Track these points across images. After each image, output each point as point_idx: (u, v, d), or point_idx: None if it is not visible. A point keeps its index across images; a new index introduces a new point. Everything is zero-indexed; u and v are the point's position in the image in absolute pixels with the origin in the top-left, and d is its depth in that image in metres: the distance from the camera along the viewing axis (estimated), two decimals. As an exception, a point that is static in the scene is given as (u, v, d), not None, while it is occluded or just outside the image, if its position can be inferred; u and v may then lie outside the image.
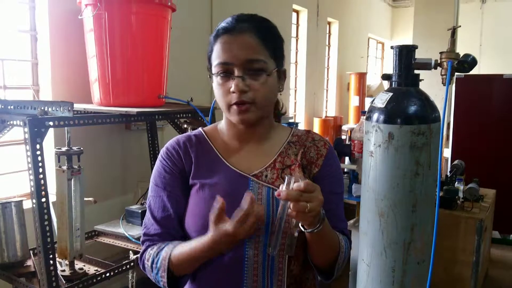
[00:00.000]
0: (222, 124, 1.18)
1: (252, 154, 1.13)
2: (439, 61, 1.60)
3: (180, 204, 1.11)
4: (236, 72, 1.03)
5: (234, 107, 1.04)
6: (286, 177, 0.94)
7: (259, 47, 1.05)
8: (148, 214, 1.14)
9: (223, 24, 1.08)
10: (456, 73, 1.62)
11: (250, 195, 0.94)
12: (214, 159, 1.13)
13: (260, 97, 1.05)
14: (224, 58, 1.04)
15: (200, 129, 1.20)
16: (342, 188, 1.20)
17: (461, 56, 1.58)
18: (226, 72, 1.04)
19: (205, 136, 1.17)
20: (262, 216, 1.00)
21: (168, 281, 1.06)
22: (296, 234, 0.98)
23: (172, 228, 1.11)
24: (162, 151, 1.16)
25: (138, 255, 1.16)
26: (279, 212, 0.95)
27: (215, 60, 1.06)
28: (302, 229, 0.98)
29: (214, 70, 1.07)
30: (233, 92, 1.03)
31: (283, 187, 0.93)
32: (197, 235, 1.05)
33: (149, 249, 1.11)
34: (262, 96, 1.05)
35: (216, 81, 1.07)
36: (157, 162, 1.16)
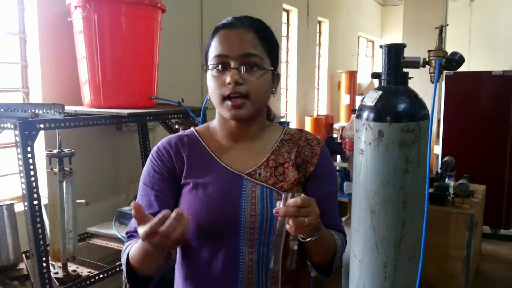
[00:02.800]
0: (214, 123, 1.18)
1: (245, 152, 1.14)
2: (427, 59, 1.61)
3: (167, 204, 1.10)
4: (232, 65, 1.04)
5: (228, 102, 1.04)
6: (283, 194, 0.95)
7: (256, 43, 1.07)
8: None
9: (222, 22, 1.09)
10: (445, 71, 1.64)
11: (177, 210, 0.88)
12: (207, 158, 1.13)
13: (254, 91, 1.05)
14: (221, 50, 1.05)
15: (192, 128, 1.20)
16: (336, 186, 1.23)
17: (449, 54, 1.60)
18: (222, 65, 1.05)
19: (197, 136, 1.17)
20: (183, 233, 0.88)
21: (133, 277, 1.03)
22: (295, 247, 0.99)
23: None
24: (153, 150, 1.16)
25: None
26: (278, 229, 0.97)
27: (212, 53, 1.07)
28: (300, 239, 0.99)
29: (211, 63, 1.07)
30: (228, 84, 1.03)
31: (280, 204, 0.94)
32: (192, 234, 1.06)
33: (126, 243, 1.10)
34: (257, 91, 1.05)
35: (211, 74, 1.07)
36: (147, 162, 1.16)
